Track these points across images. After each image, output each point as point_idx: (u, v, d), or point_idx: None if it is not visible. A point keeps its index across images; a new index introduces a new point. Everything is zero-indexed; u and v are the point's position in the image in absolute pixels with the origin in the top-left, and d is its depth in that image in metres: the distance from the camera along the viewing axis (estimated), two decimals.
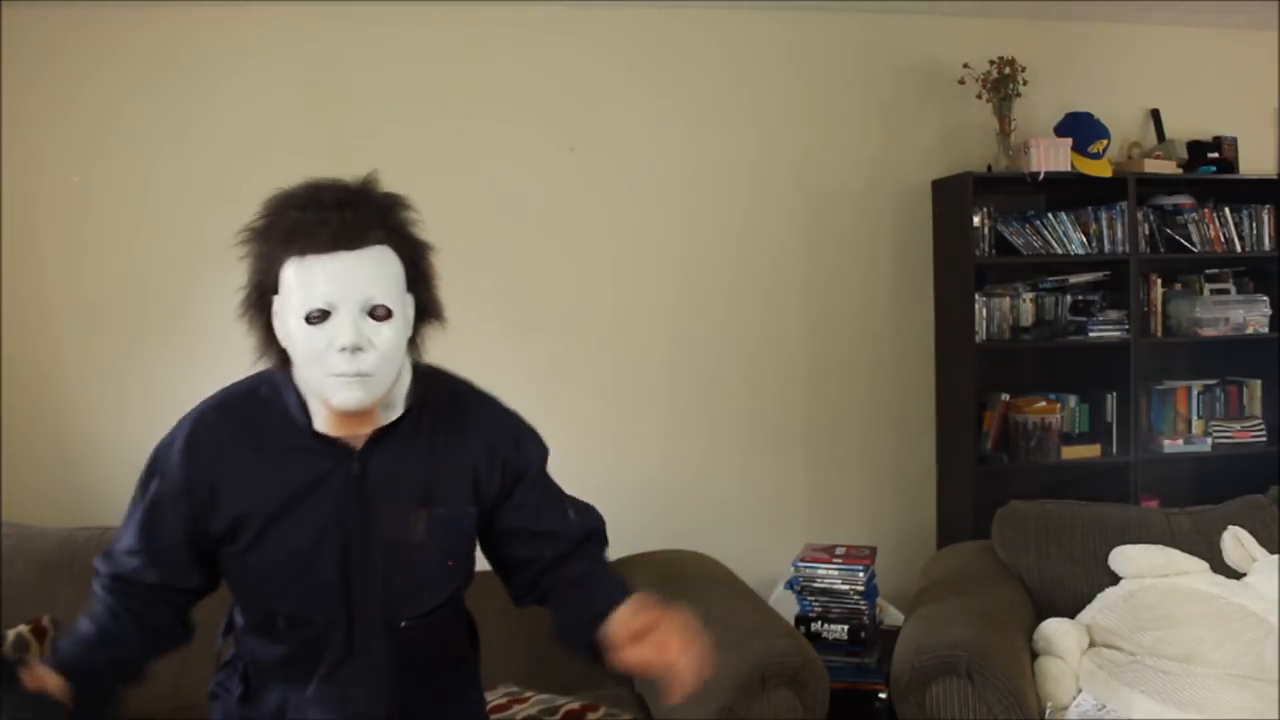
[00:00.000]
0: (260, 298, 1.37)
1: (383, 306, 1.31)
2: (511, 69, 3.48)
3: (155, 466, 1.42)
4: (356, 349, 1.29)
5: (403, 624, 1.45)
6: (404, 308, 1.36)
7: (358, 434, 1.39)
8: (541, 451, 1.55)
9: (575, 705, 2.43)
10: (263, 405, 1.42)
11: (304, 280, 1.30)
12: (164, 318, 3.30)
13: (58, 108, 3.21)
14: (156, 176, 3.27)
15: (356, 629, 1.43)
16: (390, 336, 1.32)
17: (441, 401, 1.46)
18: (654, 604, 1.36)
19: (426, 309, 1.40)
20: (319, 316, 1.29)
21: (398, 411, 1.41)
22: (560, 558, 1.53)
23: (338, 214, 1.30)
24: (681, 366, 3.60)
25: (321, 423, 1.39)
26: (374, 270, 1.31)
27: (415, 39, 3.38)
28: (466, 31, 3.42)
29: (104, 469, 3.27)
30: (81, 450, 3.27)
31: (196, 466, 1.39)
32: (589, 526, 1.57)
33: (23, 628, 2.44)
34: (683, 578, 2.77)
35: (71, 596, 2.53)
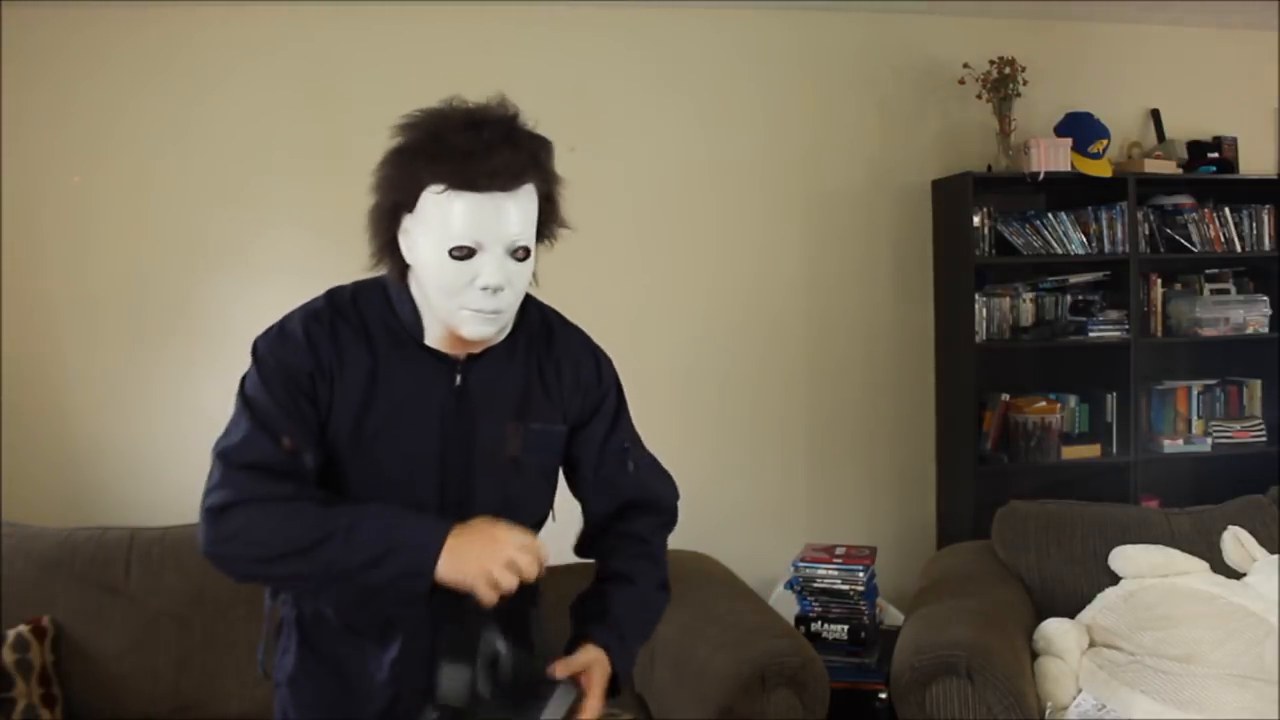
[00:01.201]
0: (392, 211, 1.35)
1: (524, 248, 1.33)
2: (511, 68, 3.47)
3: (268, 355, 1.39)
4: (498, 289, 1.30)
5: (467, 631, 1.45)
6: (534, 244, 1.37)
7: (461, 350, 1.41)
8: (617, 383, 1.57)
9: None
10: (371, 311, 1.42)
11: (454, 215, 1.28)
12: (165, 318, 3.30)
13: (59, 108, 3.21)
14: (157, 177, 3.28)
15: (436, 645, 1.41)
16: (525, 274, 1.35)
17: (535, 324, 1.49)
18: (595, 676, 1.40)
19: (544, 234, 1.42)
20: (463, 253, 1.29)
21: (505, 333, 1.44)
22: (618, 518, 1.56)
23: (499, 153, 1.28)
24: (680, 367, 3.60)
25: (432, 338, 1.40)
26: (522, 213, 1.32)
27: (416, 38, 3.39)
28: (466, 31, 3.42)
29: (104, 469, 3.28)
30: (82, 450, 3.27)
31: (317, 355, 1.37)
32: (645, 493, 1.59)
33: (23, 628, 2.44)
34: (683, 578, 2.76)
35: (71, 596, 2.54)
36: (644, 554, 1.57)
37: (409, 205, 1.33)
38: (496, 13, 3.41)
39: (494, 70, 3.44)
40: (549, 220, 1.40)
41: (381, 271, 1.42)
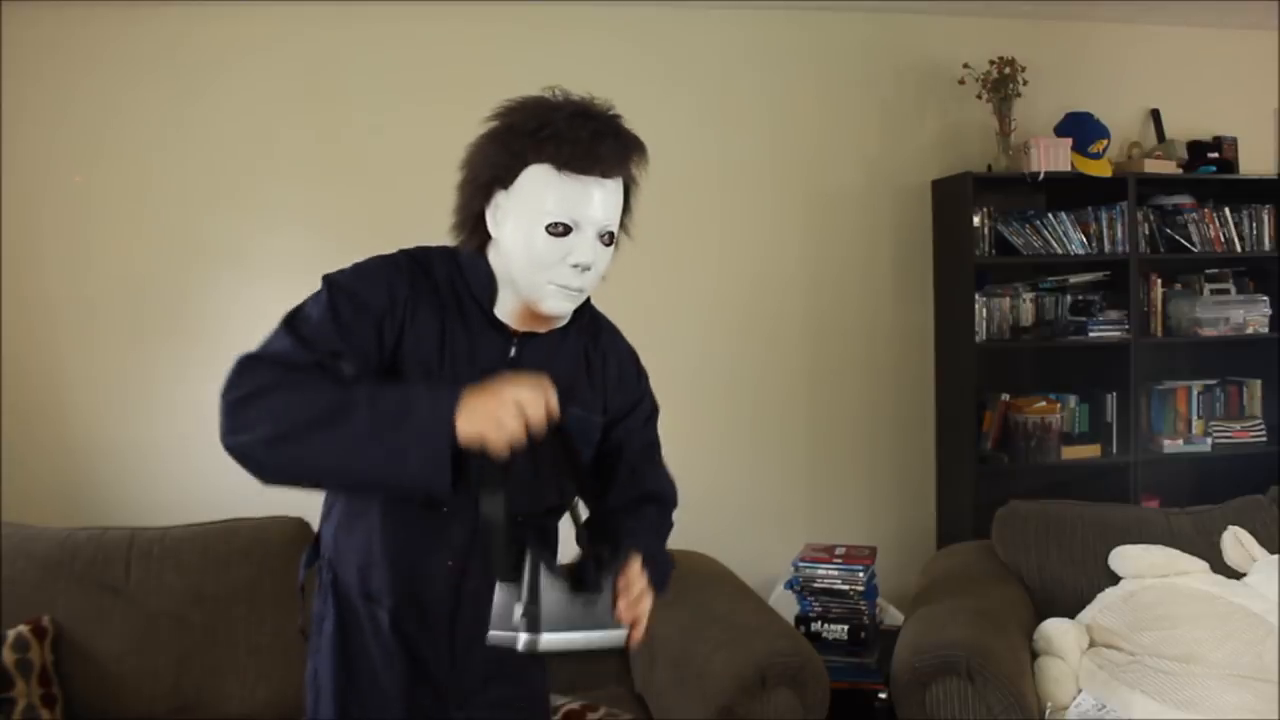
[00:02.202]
0: (488, 185, 1.39)
1: (611, 233, 1.40)
2: (512, 68, 3.46)
3: (345, 283, 1.38)
4: (587, 268, 1.37)
5: (519, 518, 1.42)
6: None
7: (522, 325, 1.45)
8: (650, 388, 1.67)
9: (575, 705, 2.43)
10: (443, 275, 1.45)
11: (558, 194, 1.35)
12: (164, 318, 3.30)
13: (58, 107, 3.21)
14: (156, 176, 3.28)
15: (479, 519, 1.40)
16: (607, 259, 1.43)
17: (585, 317, 1.55)
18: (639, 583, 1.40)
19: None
20: (561, 230, 1.35)
21: (566, 320, 1.49)
22: (628, 507, 1.59)
23: (605, 142, 1.37)
24: (681, 366, 3.60)
25: (503, 311, 1.44)
26: (615, 201, 1.40)
27: (415, 37, 3.39)
28: (466, 29, 3.42)
29: (104, 469, 3.28)
30: (81, 450, 3.27)
31: (394, 298, 1.39)
32: (662, 488, 1.66)
33: (23, 628, 2.44)
34: (683, 578, 2.76)
35: (72, 596, 2.54)
36: (653, 521, 1.64)
37: (506, 182, 1.37)
38: (497, 12, 3.41)
39: (492, 69, 3.46)
40: (624, 217, 1.46)
41: (456, 242, 1.46)
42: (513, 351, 1.46)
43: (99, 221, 3.26)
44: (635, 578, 1.37)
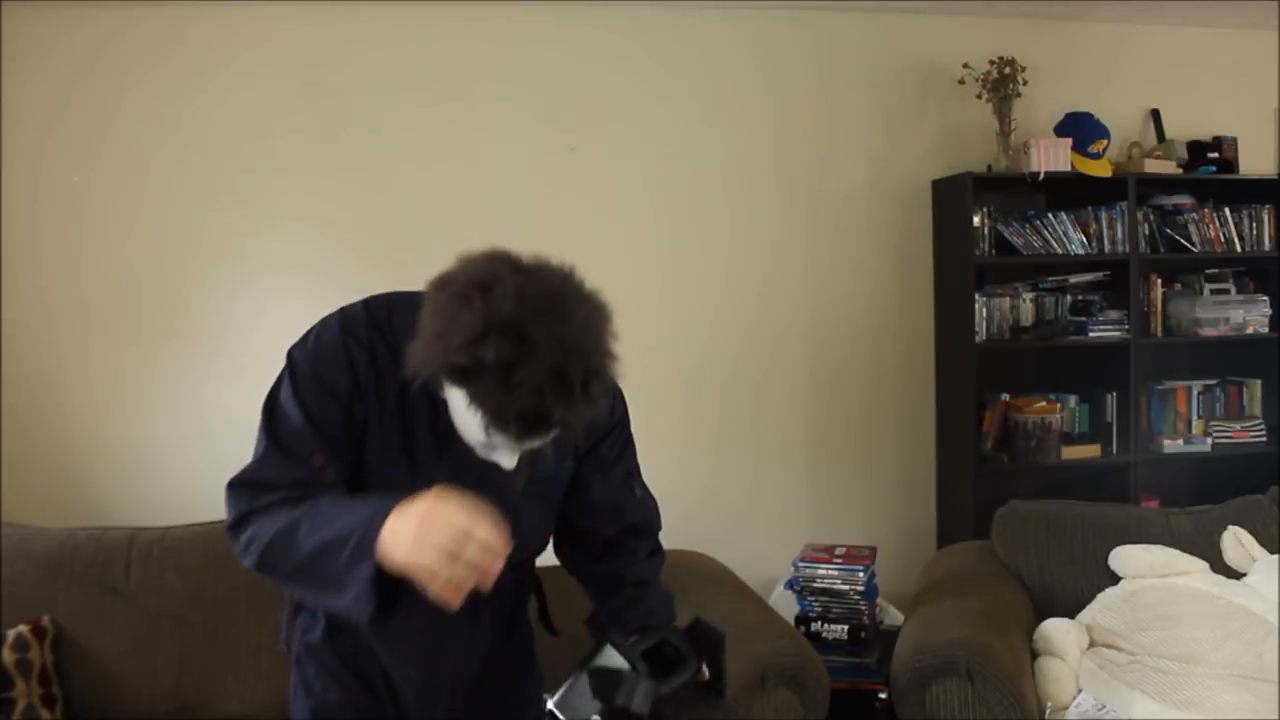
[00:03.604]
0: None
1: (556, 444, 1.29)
2: (511, 68, 3.48)
3: (306, 370, 1.35)
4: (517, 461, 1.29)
5: (505, 570, 1.42)
6: None
7: None
8: (627, 415, 1.57)
9: None
10: (406, 333, 1.28)
11: (479, 430, 1.21)
12: (163, 317, 3.30)
13: (56, 106, 3.21)
14: (154, 174, 3.28)
15: None
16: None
17: None
18: None
19: None
20: (488, 442, 1.24)
21: None
22: (613, 544, 1.58)
23: (544, 428, 1.19)
24: (681, 367, 3.60)
25: None
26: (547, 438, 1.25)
27: (414, 37, 3.38)
28: (466, 29, 3.42)
29: (104, 469, 3.28)
30: (81, 450, 3.27)
31: (355, 374, 1.34)
32: (647, 518, 1.63)
33: (23, 628, 2.44)
34: (683, 578, 2.77)
35: (72, 596, 2.54)
36: (652, 565, 1.63)
37: (442, 378, 1.22)
38: (497, 12, 3.41)
39: (492, 69, 3.47)
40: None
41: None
42: None
43: (98, 220, 3.26)
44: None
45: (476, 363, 1.14)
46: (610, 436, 1.54)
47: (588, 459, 1.53)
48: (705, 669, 1.41)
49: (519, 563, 1.51)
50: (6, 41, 3.16)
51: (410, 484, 1.35)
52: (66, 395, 3.27)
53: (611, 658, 1.34)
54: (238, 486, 1.35)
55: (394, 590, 1.23)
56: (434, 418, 1.37)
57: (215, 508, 2.81)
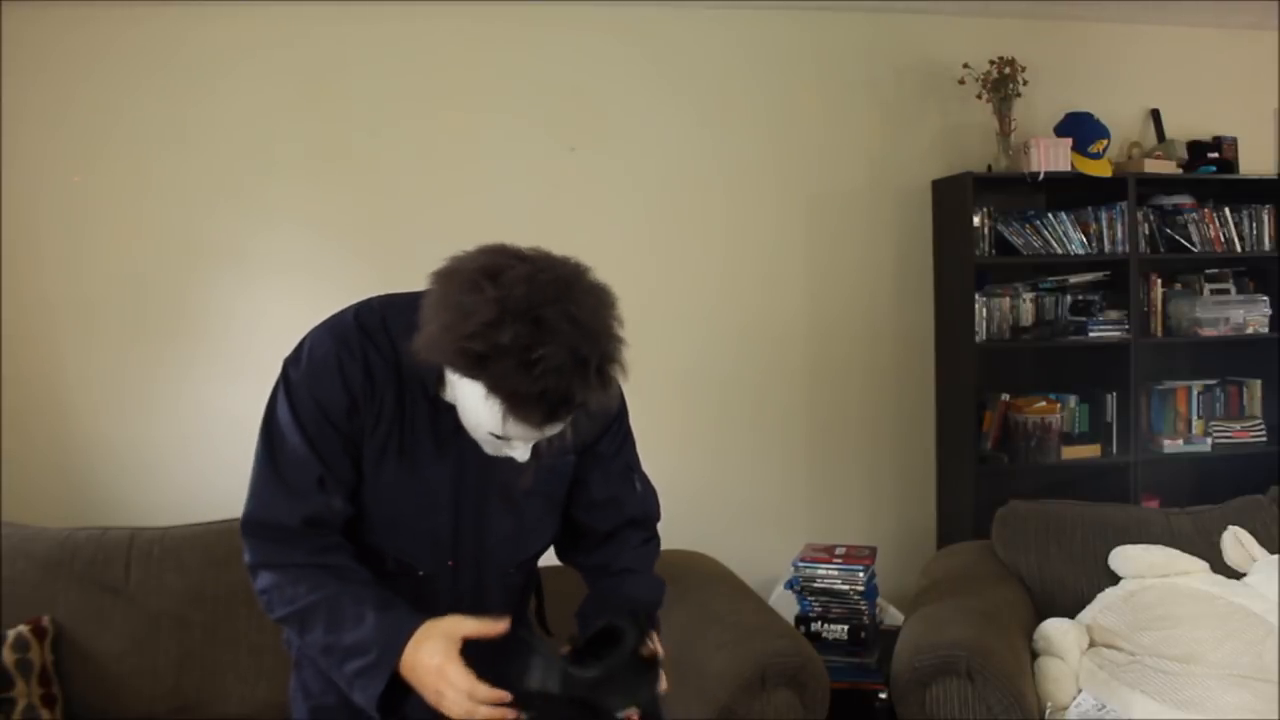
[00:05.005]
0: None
1: (560, 437, 1.30)
2: (511, 68, 3.48)
3: (302, 391, 1.35)
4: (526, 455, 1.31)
5: (510, 570, 1.48)
6: None
7: None
8: (624, 408, 1.55)
9: None
10: (401, 338, 1.31)
11: (498, 419, 1.21)
12: (164, 317, 3.30)
13: (57, 107, 3.21)
14: (156, 176, 3.28)
15: (462, 580, 1.45)
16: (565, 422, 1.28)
17: None
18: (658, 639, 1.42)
19: None
20: (498, 435, 1.26)
21: None
22: (610, 536, 1.58)
23: (564, 413, 1.20)
24: (681, 367, 3.60)
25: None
26: (560, 426, 1.26)
27: (415, 38, 3.39)
28: (466, 30, 3.42)
29: (104, 469, 3.28)
30: (81, 450, 3.27)
31: (351, 389, 1.34)
32: (646, 511, 1.62)
33: (23, 628, 2.44)
34: (683, 578, 2.77)
35: (71, 596, 2.54)
36: (641, 552, 1.62)
37: (453, 370, 1.24)
38: (496, 13, 3.41)
39: (492, 70, 3.47)
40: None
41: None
42: None
43: (99, 221, 3.26)
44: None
45: (494, 347, 1.13)
46: (610, 431, 1.53)
47: (587, 454, 1.52)
48: (655, 644, 1.39)
49: (523, 562, 1.53)
50: (8, 42, 3.16)
51: (411, 486, 1.38)
52: (67, 395, 3.27)
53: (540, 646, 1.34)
54: (252, 532, 1.37)
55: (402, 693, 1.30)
56: (433, 419, 1.37)
57: (216, 508, 2.81)
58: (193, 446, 3.26)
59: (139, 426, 3.29)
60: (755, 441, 3.70)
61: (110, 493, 3.27)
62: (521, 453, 1.29)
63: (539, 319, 1.14)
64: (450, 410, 1.35)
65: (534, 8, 3.43)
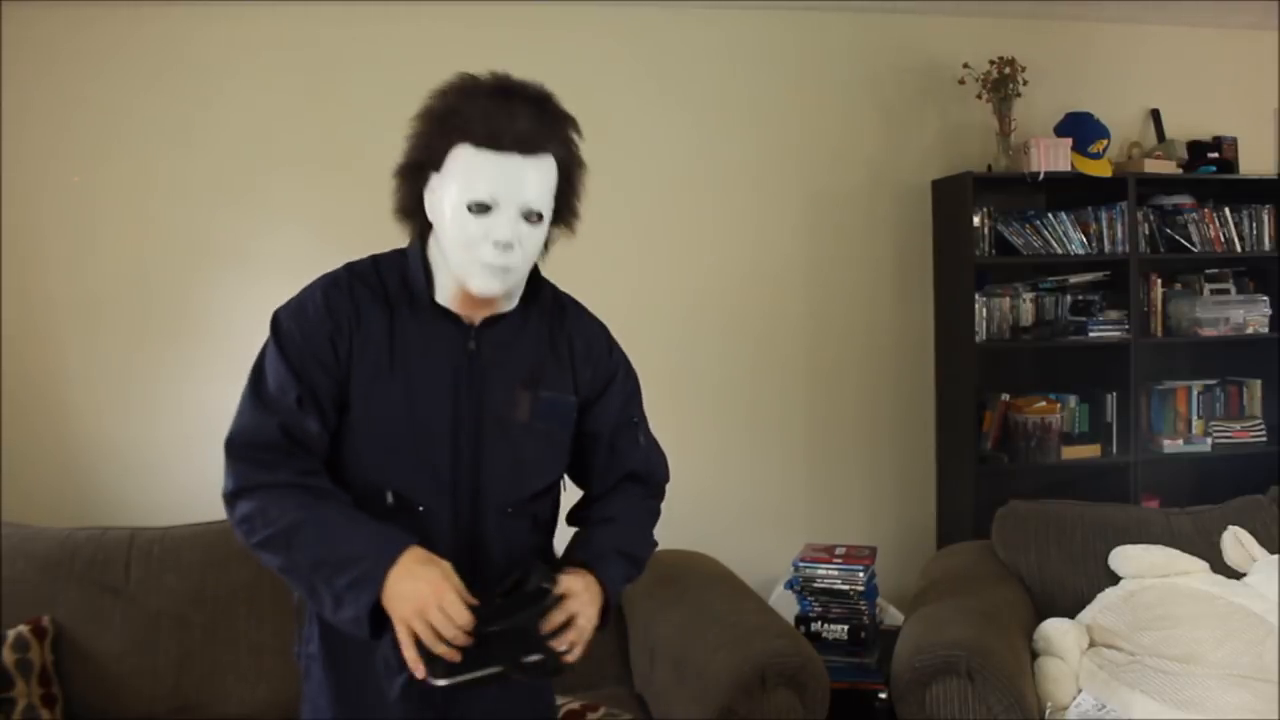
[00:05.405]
0: (418, 170, 1.42)
1: (538, 213, 1.39)
2: (511, 68, 3.47)
3: (287, 324, 1.44)
4: (508, 246, 1.36)
5: (508, 509, 1.49)
6: (550, 215, 1.44)
7: (474, 314, 1.47)
8: (628, 362, 1.64)
9: (575, 705, 2.43)
10: (390, 276, 1.48)
11: (475, 172, 1.36)
12: (166, 318, 3.30)
13: (59, 107, 3.21)
14: (159, 176, 3.28)
15: (461, 516, 1.46)
16: (537, 240, 1.41)
17: (548, 300, 1.56)
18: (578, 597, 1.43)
19: (561, 216, 1.48)
20: (480, 209, 1.36)
21: (514, 303, 1.50)
22: (614, 489, 1.61)
23: (523, 118, 1.36)
24: (681, 367, 3.60)
25: (445, 296, 1.46)
26: (540, 179, 1.38)
27: (416, 38, 3.38)
28: (466, 30, 3.41)
29: (104, 469, 3.28)
30: (82, 450, 3.27)
31: (335, 318, 1.43)
32: (650, 468, 1.66)
33: (23, 628, 2.44)
34: (683, 578, 2.77)
35: (71, 596, 2.54)
36: (629, 502, 1.63)
37: (437, 164, 1.39)
38: (496, 13, 3.41)
39: (494, 70, 3.46)
40: (567, 200, 1.46)
41: (403, 240, 1.50)
42: (471, 344, 1.46)
43: (101, 221, 3.26)
44: (570, 606, 1.39)
45: (465, 97, 1.39)
46: (613, 385, 1.58)
47: (594, 408, 1.56)
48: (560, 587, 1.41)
49: (521, 503, 1.51)
50: (8, 42, 3.16)
51: (408, 411, 1.43)
52: (68, 395, 3.27)
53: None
54: (236, 454, 1.41)
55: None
56: (425, 334, 1.44)
57: (216, 508, 2.81)
58: (194, 446, 3.26)
59: (140, 426, 3.29)
60: (755, 441, 3.70)
61: (110, 493, 3.27)
62: (505, 230, 1.35)
63: (485, 76, 1.42)
64: (442, 319, 1.44)
65: (536, 9, 3.43)
